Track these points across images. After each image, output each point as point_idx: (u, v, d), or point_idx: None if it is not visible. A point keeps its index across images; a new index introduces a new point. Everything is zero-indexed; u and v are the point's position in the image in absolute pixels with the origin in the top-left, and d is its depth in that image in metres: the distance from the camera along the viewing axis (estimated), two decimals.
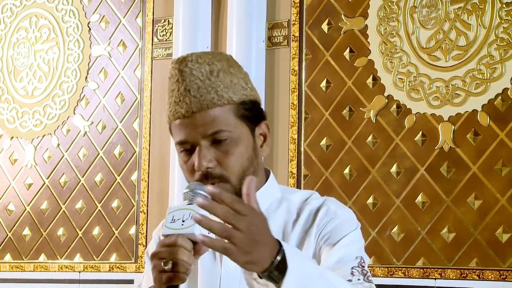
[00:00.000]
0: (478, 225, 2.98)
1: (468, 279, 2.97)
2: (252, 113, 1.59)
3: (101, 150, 3.77)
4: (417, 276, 3.06)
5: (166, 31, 3.68)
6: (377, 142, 3.20)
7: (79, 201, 3.78)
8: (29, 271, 3.84)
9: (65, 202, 3.82)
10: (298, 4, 3.39)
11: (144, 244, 3.59)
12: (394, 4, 3.23)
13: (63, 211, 3.82)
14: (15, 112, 4.01)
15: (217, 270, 1.59)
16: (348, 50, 3.29)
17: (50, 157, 3.88)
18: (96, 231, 3.73)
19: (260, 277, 1.37)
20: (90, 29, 3.87)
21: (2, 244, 3.94)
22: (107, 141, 3.77)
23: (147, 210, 3.62)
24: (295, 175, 3.32)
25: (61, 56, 3.92)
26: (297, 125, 3.35)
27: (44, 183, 3.88)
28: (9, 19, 4.08)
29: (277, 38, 3.44)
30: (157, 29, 3.70)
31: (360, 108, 3.24)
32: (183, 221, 1.42)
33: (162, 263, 1.38)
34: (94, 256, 3.72)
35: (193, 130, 1.54)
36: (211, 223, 1.30)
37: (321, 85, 3.34)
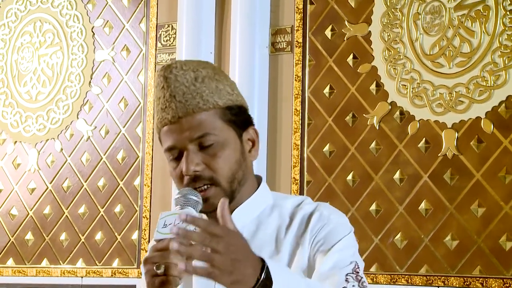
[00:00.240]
0: (482, 233, 2.97)
1: (472, 287, 2.96)
2: (238, 118, 1.59)
3: (104, 155, 3.77)
4: (420, 284, 3.04)
5: (170, 36, 3.68)
6: (380, 148, 3.19)
7: (82, 206, 3.78)
8: (32, 276, 3.84)
9: (68, 207, 3.82)
10: (302, 10, 3.39)
11: (147, 249, 3.59)
12: (398, 10, 3.22)
13: (66, 215, 3.82)
14: (18, 117, 4.01)
15: None
16: (351, 56, 3.29)
17: (53, 162, 3.88)
18: (98, 236, 3.73)
19: None
20: (94, 34, 3.87)
21: (5, 249, 3.94)
22: (110, 146, 3.77)
23: (150, 215, 3.62)
24: (298, 181, 3.32)
25: (65, 60, 3.93)
26: (300, 131, 3.35)
27: (47, 188, 3.88)
28: (13, 24, 4.09)
29: (281, 44, 3.44)
30: (160, 34, 3.70)
31: (364, 115, 3.23)
32: (174, 225, 1.42)
33: (154, 267, 1.39)
34: (96, 261, 3.72)
35: (180, 135, 1.55)
36: (190, 251, 1.31)
37: (324, 91, 3.33)
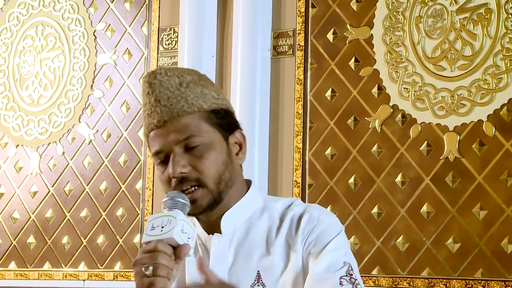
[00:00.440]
0: (483, 236, 2.97)
1: None
2: (224, 121, 1.61)
3: (106, 158, 3.78)
4: (422, 287, 3.05)
5: (172, 39, 3.69)
6: (382, 151, 3.20)
7: (84, 209, 3.79)
8: (34, 279, 3.84)
9: (70, 210, 3.82)
10: (304, 14, 3.40)
11: None
12: (400, 14, 3.23)
13: (68, 219, 3.82)
14: (20, 120, 4.02)
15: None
16: (353, 59, 3.29)
17: (55, 165, 3.88)
18: (100, 239, 3.73)
19: None
20: (96, 37, 3.88)
21: (7, 252, 3.94)
22: (112, 150, 3.77)
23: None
24: (300, 184, 3.32)
25: (67, 64, 3.93)
26: (302, 134, 3.35)
27: (49, 191, 3.88)
28: (15, 28, 4.09)
29: (283, 47, 3.44)
30: (162, 38, 3.71)
31: (365, 118, 3.24)
32: (162, 227, 1.46)
33: (143, 268, 1.41)
34: (98, 265, 3.72)
35: (166, 139, 1.56)
36: None
37: (326, 95, 3.34)
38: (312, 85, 3.36)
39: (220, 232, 1.61)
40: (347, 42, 3.31)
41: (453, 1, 3.12)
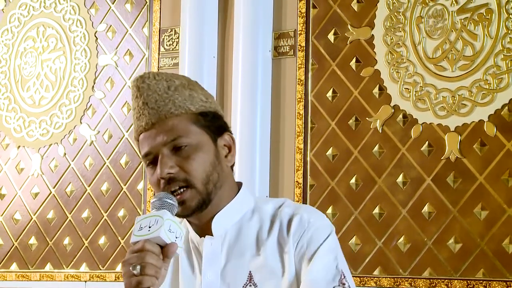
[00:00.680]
0: (485, 236, 2.97)
1: None
2: (212, 124, 1.62)
3: (108, 159, 3.78)
4: (423, 287, 3.05)
5: (173, 40, 3.69)
6: (383, 152, 3.20)
7: (85, 211, 3.79)
8: (35, 281, 3.85)
9: (71, 211, 3.82)
10: (305, 14, 3.40)
11: None
12: (401, 14, 3.23)
13: (69, 220, 3.82)
14: (22, 121, 4.02)
15: (197, 281, 1.61)
16: (354, 60, 3.29)
17: (56, 166, 3.89)
18: (102, 240, 3.73)
19: None
20: (97, 38, 3.88)
21: (9, 253, 3.94)
22: (113, 151, 3.77)
23: None
24: (301, 185, 3.32)
25: (68, 65, 3.94)
26: (303, 134, 3.35)
27: (51, 192, 3.88)
28: (16, 29, 4.10)
29: (284, 48, 3.44)
30: (163, 39, 3.71)
31: (366, 118, 3.24)
32: (149, 227, 1.47)
33: (131, 268, 1.43)
34: (100, 266, 3.72)
35: (154, 141, 1.58)
36: None
37: (327, 95, 3.34)
38: (313, 85, 3.37)
39: (211, 234, 1.62)
40: (348, 42, 3.31)
41: (454, 2, 3.12)
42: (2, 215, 3.98)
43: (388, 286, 3.10)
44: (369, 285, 3.10)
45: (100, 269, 3.72)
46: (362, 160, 3.23)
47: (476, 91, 3.06)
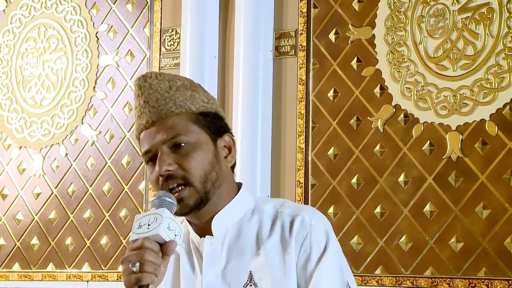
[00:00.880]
0: (487, 235, 2.97)
1: None
2: (213, 124, 1.63)
3: (109, 159, 3.78)
4: (425, 286, 3.05)
5: (174, 40, 3.69)
6: (385, 151, 3.20)
7: (87, 211, 3.79)
8: (37, 281, 3.85)
9: (73, 212, 3.82)
10: (306, 14, 3.40)
11: None
12: (402, 13, 3.23)
13: (71, 220, 3.82)
14: (23, 122, 4.02)
15: (198, 282, 1.62)
16: (355, 59, 3.29)
17: (58, 167, 3.89)
18: (104, 240, 3.73)
19: None
20: (98, 39, 3.88)
21: (11, 254, 3.95)
22: (115, 151, 3.78)
23: None
24: (303, 184, 3.32)
25: (69, 66, 3.94)
26: (304, 134, 3.35)
27: (52, 193, 3.88)
28: (18, 29, 4.10)
29: (285, 48, 3.45)
30: (164, 39, 3.71)
31: (368, 118, 3.24)
32: (148, 225, 1.48)
33: (130, 265, 1.44)
34: (102, 265, 3.73)
35: (154, 139, 1.59)
36: None
37: (328, 95, 3.34)
38: (314, 85, 3.37)
39: (211, 234, 1.62)
40: (349, 42, 3.32)
41: (455, 1, 3.12)
42: (4, 216, 3.98)
43: (389, 285, 3.10)
44: (370, 284, 3.10)
45: (102, 269, 3.72)
46: (364, 160, 3.23)
47: (478, 90, 3.06)
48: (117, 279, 3.67)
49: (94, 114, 3.84)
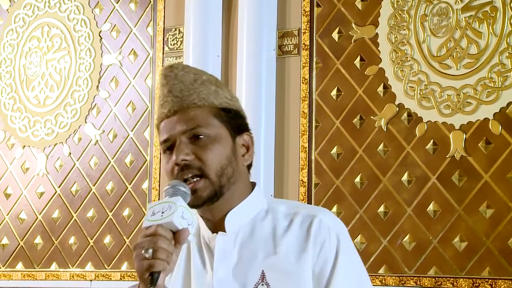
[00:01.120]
0: (491, 234, 2.97)
1: None
2: (233, 121, 1.63)
3: (112, 158, 3.78)
4: (429, 285, 3.04)
5: (177, 40, 3.69)
6: (388, 150, 3.19)
7: (91, 210, 3.79)
8: (41, 280, 3.85)
9: (77, 211, 3.83)
10: (309, 13, 3.40)
11: None
12: (405, 12, 3.22)
13: (75, 219, 3.83)
14: (27, 121, 4.03)
15: (208, 278, 1.61)
16: (358, 58, 3.29)
17: (61, 166, 3.89)
18: (107, 239, 3.73)
19: None
20: (101, 38, 3.88)
21: (14, 253, 3.95)
22: (118, 150, 3.78)
23: None
24: (306, 183, 3.32)
25: (72, 65, 3.94)
26: (307, 133, 3.35)
27: (56, 192, 3.89)
28: (21, 29, 4.10)
29: (288, 47, 3.44)
30: (167, 38, 3.71)
31: (371, 117, 3.24)
32: (162, 212, 1.48)
33: (143, 251, 1.44)
34: (105, 265, 3.73)
35: (174, 128, 1.59)
36: None
37: (331, 94, 3.33)
38: (317, 84, 3.36)
39: (224, 231, 1.62)
40: (352, 41, 3.31)
41: (458, 0, 3.11)
42: (7, 215, 3.99)
43: (393, 284, 3.10)
44: (374, 284, 3.10)
45: (106, 268, 3.72)
46: (367, 159, 3.22)
47: (481, 89, 3.05)
48: (121, 279, 3.67)
49: (97, 113, 3.84)
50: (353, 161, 3.25)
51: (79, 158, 3.86)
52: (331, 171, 3.29)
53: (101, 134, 3.82)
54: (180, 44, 3.67)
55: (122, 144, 3.77)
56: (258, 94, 3.41)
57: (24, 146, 4.01)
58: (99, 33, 3.89)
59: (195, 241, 1.63)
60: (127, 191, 3.73)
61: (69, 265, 3.81)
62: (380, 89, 3.23)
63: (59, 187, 3.88)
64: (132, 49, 3.80)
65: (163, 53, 3.71)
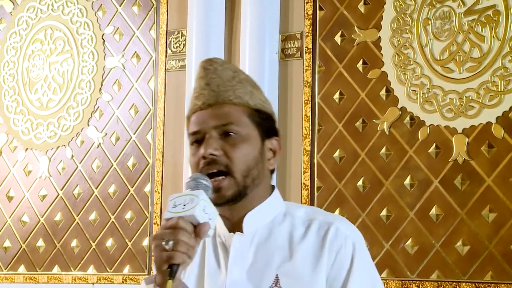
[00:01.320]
0: (493, 238, 2.96)
1: None
2: (265, 123, 1.63)
3: (115, 161, 3.78)
4: None
5: (180, 43, 3.69)
6: (391, 154, 3.19)
7: (93, 213, 3.79)
8: (43, 283, 3.85)
9: (79, 214, 3.83)
10: (311, 16, 3.40)
11: None
12: (408, 16, 3.22)
13: (77, 222, 3.83)
14: (29, 124, 4.03)
15: (222, 278, 1.60)
16: (361, 62, 3.29)
17: (64, 169, 3.89)
18: (109, 242, 3.73)
19: None
20: (104, 41, 3.89)
21: (16, 256, 3.95)
22: (120, 153, 3.78)
23: (161, 222, 3.62)
24: (308, 187, 3.32)
25: (75, 68, 3.94)
26: (310, 137, 3.35)
27: (58, 195, 3.89)
28: (24, 32, 4.11)
29: (290, 50, 3.44)
30: (170, 41, 3.72)
31: (374, 120, 3.23)
32: (184, 205, 1.47)
33: (163, 243, 1.43)
34: (107, 268, 3.73)
35: (206, 121, 1.59)
36: None
37: (334, 97, 3.33)
38: (320, 87, 3.36)
39: (241, 231, 1.61)
40: (355, 44, 3.31)
41: (461, 3, 3.11)
42: (10, 217, 3.99)
43: None
44: None
45: (108, 271, 3.72)
46: (369, 162, 3.22)
47: (484, 93, 3.04)
48: (123, 282, 3.67)
49: (100, 116, 3.85)
50: (356, 164, 3.25)
51: (81, 161, 3.86)
52: (334, 175, 3.29)
53: (104, 137, 3.83)
54: (183, 47, 3.67)
55: (124, 147, 3.77)
56: None
57: (27, 149, 4.02)
58: (102, 36, 3.90)
59: (211, 239, 1.63)
60: (129, 194, 3.73)
61: (71, 268, 3.81)
62: (383, 92, 3.23)
63: (61, 190, 3.88)
64: (135, 52, 3.80)
65: (166, 56, 3.71)
